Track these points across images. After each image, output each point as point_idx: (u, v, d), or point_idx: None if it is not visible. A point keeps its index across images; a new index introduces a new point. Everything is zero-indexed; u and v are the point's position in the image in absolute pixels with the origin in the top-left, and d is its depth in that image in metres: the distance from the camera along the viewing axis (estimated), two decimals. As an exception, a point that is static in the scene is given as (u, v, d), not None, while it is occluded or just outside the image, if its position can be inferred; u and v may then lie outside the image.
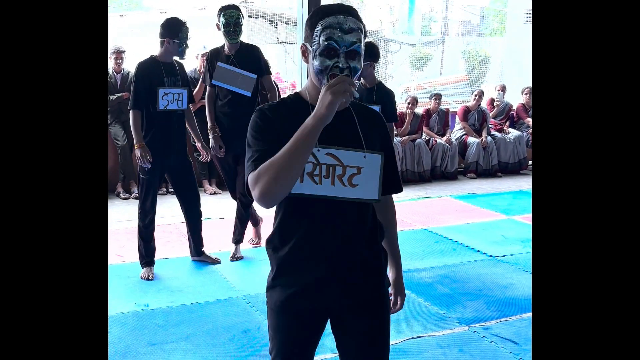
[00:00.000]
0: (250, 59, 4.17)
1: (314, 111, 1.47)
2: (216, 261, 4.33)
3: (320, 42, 1.55)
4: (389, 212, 1.84)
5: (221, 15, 4.04)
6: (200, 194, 6.41)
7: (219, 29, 4.09)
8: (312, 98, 1.61)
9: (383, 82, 4.65)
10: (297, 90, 1.73)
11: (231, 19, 4.02)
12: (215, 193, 6.53)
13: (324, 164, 1.57)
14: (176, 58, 3.96)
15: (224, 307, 3.58)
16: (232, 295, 3.76)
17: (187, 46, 3.87)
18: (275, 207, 1.66)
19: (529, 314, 3.51)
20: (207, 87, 4.27)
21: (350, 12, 1.57)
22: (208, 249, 4.44)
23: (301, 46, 1.63)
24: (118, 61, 6.33)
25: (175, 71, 3.95)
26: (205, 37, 7.66)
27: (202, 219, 4.31)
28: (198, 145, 4.21)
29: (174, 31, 3.82)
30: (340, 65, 1.54)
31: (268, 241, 1.72)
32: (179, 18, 3.91)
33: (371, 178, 1.61)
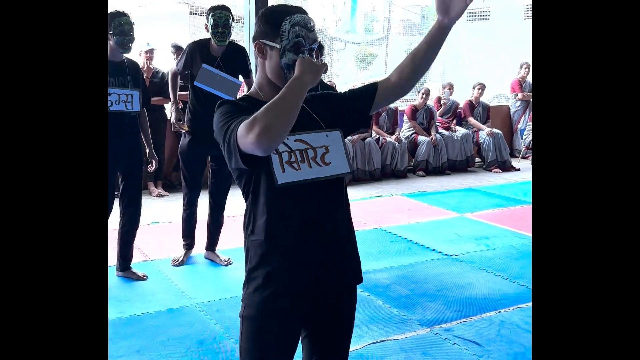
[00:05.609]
0: (237, 62, 4.00)
1: (296, 74, 1.50)
2: (142, 278, 3.94)
3: (290, 38, 1.60)
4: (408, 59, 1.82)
5: (210, 16, 3.81)
6: (146, 197, 6.26)
7: (207, 30, 3.85)
8: (268, 97, 1.58)
9: (326, 81, 4.59)
10: (245, 94, 1.76)
11: (220, 20, 3.78)
12: (161, 195, 6.31)
13: (297, 149, 1.63)
14: (128, 56, 3.67)
15: (177, 317, 3.40)
16: (185, 303, 3.58)
17: (125, 38, 3.52)
18: (250, 202, 1.68)
19: (489, 314, 3.50)
20: (173, 67, 4.08)
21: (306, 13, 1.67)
22: (158, 253, 4.24)
23: (257, 43, 1.63)
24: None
25: (124, 71, 3.65)
26: (146, 35, 7.39)
27: (137, 230, 3.95)
28: (147, 151, 3.93)
29: (109, 25, 3.50)
30: None
31: (249, 235, 1.69)
32: (116, 10, 3.55)
33: (339, 153, 1.69)
